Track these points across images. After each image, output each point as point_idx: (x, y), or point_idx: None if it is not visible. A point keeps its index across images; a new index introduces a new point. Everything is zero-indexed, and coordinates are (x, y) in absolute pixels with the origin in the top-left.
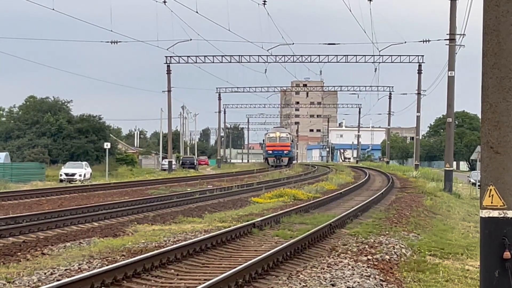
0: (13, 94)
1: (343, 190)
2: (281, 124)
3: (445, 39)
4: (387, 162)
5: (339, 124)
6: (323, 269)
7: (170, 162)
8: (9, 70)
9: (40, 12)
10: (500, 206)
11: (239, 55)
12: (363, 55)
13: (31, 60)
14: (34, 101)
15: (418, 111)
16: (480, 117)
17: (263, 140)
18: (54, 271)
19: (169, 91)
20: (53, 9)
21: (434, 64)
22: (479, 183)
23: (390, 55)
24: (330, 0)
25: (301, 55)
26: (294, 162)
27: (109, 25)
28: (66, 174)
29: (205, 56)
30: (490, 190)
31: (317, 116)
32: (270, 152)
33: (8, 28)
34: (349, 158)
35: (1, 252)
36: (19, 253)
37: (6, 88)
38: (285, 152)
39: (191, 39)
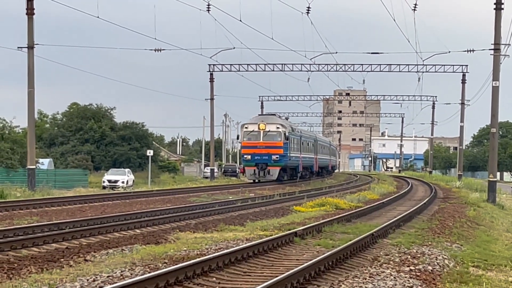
0: (56, 100)
1: (385, 200)
2: (323, 133)
3: (489, 49)
4: (430, 172)
5: (382, 133)
6: (365, 279)
7: (212, 170)
8: (52, 76)
9: (85, 19)
10: None
11: (282, 64)
12: (407, 64)
13: (74, 67)
14: (78, 108)
15: (462, 121)
16: None
17: (237, 137)
18: (96, 277)
19: (212, 99)
20: (98, 17)
21: (479, 74)
22: None
23: (434, 65)
24: (374, 9)
25: (344, 64)
26: (336, 171)
27: (153, 33)
28: (109, 181)
29: (248, 64)
30: None
31: (360, 125)
32: (248, 157)
33: (52, 35)
34: (392, 168)
35: (45, 258)
36: (62, 260)
37: (49, 95)
38: (273, 157)
39: (234, 48)
